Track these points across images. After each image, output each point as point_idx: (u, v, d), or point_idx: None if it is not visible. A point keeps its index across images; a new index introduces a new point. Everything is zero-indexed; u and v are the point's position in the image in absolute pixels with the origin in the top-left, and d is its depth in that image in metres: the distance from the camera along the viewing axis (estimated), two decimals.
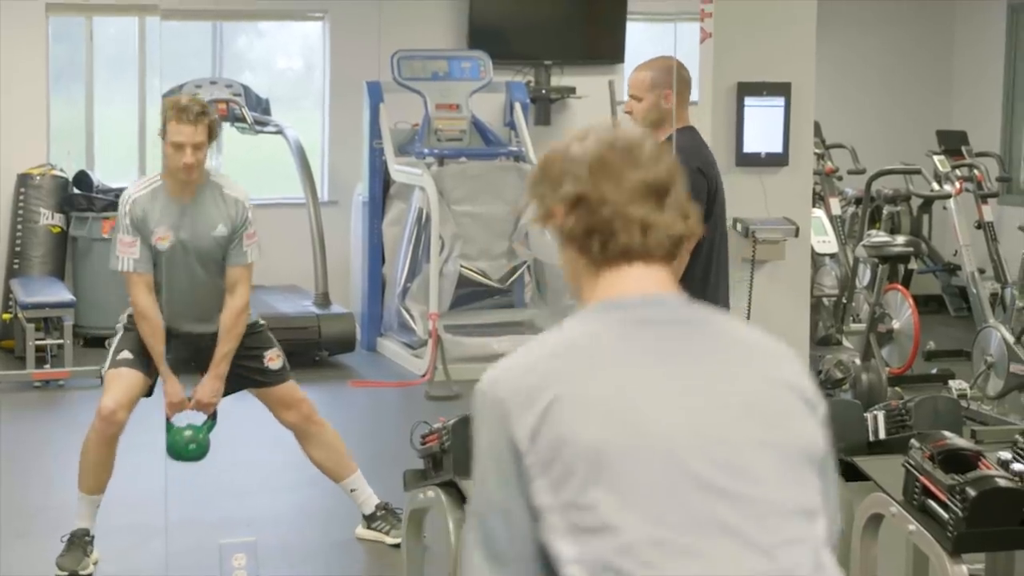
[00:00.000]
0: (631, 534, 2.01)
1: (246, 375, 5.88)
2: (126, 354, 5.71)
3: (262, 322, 5.99)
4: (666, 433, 2.05)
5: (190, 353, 5.89)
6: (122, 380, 5.68)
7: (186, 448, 5.77)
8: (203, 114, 5.64)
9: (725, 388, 2.11)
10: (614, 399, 2.06)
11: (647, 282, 2.19)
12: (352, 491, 6.05)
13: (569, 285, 2.28)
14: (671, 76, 5.14)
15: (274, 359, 5.93)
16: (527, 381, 2.09)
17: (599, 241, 2.18)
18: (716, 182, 5.10)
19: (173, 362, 5.81)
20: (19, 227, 10.55)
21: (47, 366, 9.37)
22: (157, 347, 5.70)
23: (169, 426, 5.80)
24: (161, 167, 5.79)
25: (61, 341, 9.41)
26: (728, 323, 2.24)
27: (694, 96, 6.36)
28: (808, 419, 2.15)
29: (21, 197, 10.58)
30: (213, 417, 5.85)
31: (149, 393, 5.80)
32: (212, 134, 5.69)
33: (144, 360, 5.70)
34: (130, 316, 5.80)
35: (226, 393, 5.86)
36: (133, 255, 5.70)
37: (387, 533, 6.01)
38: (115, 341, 5.82)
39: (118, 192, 10.62)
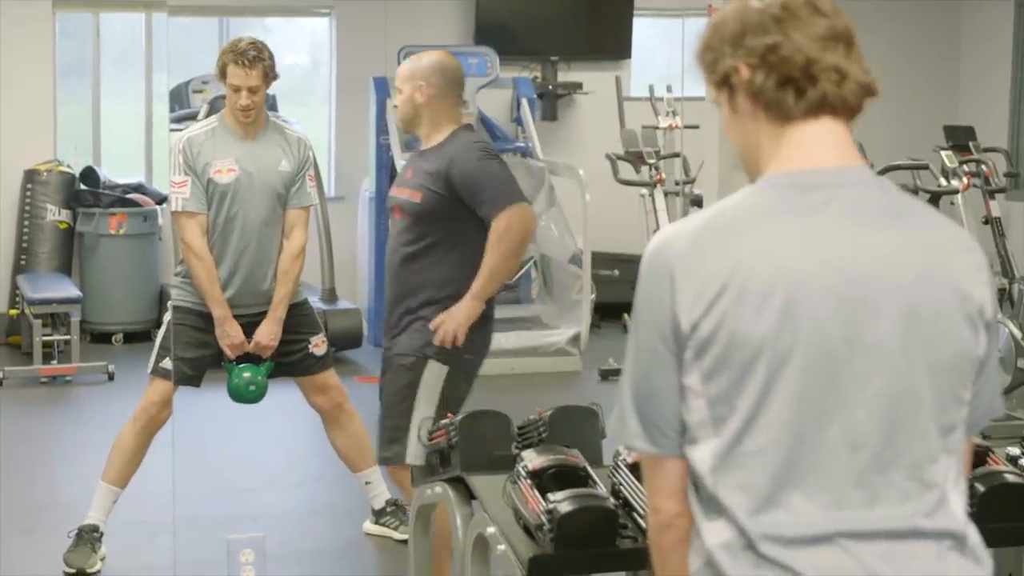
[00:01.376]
0: (764, 441, 2.04)
1: (291, 361, 5.88)
2: (167, 364, 5.71)
3: (309, 301, 6.00)
4: (823, 341, 2.05)
5: (246, 300, 5.85)
6: (165, 387, 5.71)
7: (247, 390, 5.81)
8: (259, 59, 5.66)
9: (890, 289, 2.08)
10: (777, 293, 2.05)
11: (833, 149, 2.14)
12: (367, 483, 6.06)
13: (741, 154, 2.22)
14: (432, 71, 4.91)
15: (319, 344, 5.94)
16: (697, 261, 2.07)
17: (795, 91, 2.11)
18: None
19: (216, 352, 5.79)
20: (26, 223, 10.56)
21: (54, 362, 9.39)
22: (211, 290, 5.69)
23: (230, 368, 5.81)
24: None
25: (68, 337, 9.42)
26: (912, 213, 2.17)
27: (700, 92, 6.36)
28: (970, 325, 2.12)
29: (28, 193, 10.59)
30: (271, 360, 5.85)
31: (197, 383, 5.83)
32: (268, 77, 5.70)
33: (183, 369, 5.69)
34: (175, 306, 5.78)
35: (270, 378, 5.85)
36: (183, 194, 5.69)
37: (395, 529, 6.01)
38: (160, 335, 5.81)
39: (125, 188, 10.67)
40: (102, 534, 5.81)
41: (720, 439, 2.07)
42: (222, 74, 5.70)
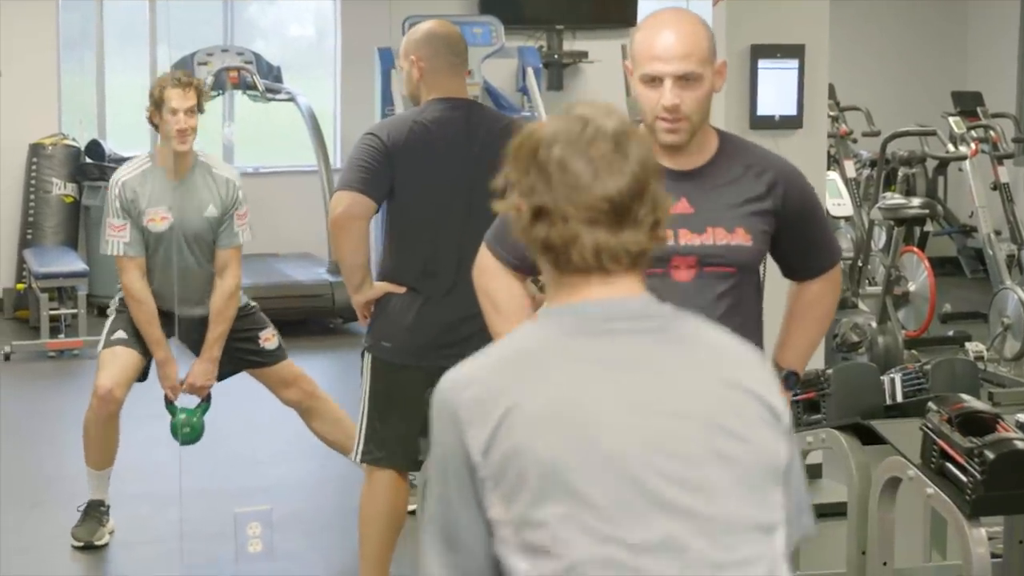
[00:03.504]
0: (581, 553, 1.96)
1: (243, 356, 5.86)
2: (120, 334, 5.70)
3: (253, 304, 5.95)
4: (619, 447, 1.99)
5: (196, 336, 5.85)
6: (117, 359, 5.67)
7: (181, 432, 5.77)
8: (191, 83, 5.67)
9: (685, 399, 2.05)
10: (566, 412, 2.00)
11: (609, 288, 2.12)
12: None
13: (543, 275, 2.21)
14: (421, 43, 4.72)
15: (269, 339, 5.91)
16: (480, 392, 2.04)
17: (554, 256, 2.11)
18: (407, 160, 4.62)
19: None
20: (32, 197, 10.55)
21: (61, 336, 9.39)
22: (152, 332, 5.68)
23: (171, 408, 5.80)
24: (152, 149, 5.78)
25: (75, 310, 9.43)
26: (695, 328, 2.15)
27: None
28: (771, 430, 2.09)
29: (33, 167, 10.58)
30: (207, 400, 5.83)
31: (144, 377, 5.79)
32: (200, 102, 5.68)
33: (139, 338, 5.68)
34: (122, 299, 5.78)
35: (224, 376, 5.84)
36: (123, 239, 5.67)
37: None
38: (108, 323, 5.80)
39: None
40: (108, 507, 5.82)
41: (534, 561, 1.99)
42: (158, 105, 5.64)
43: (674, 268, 3.24)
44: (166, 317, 5.71)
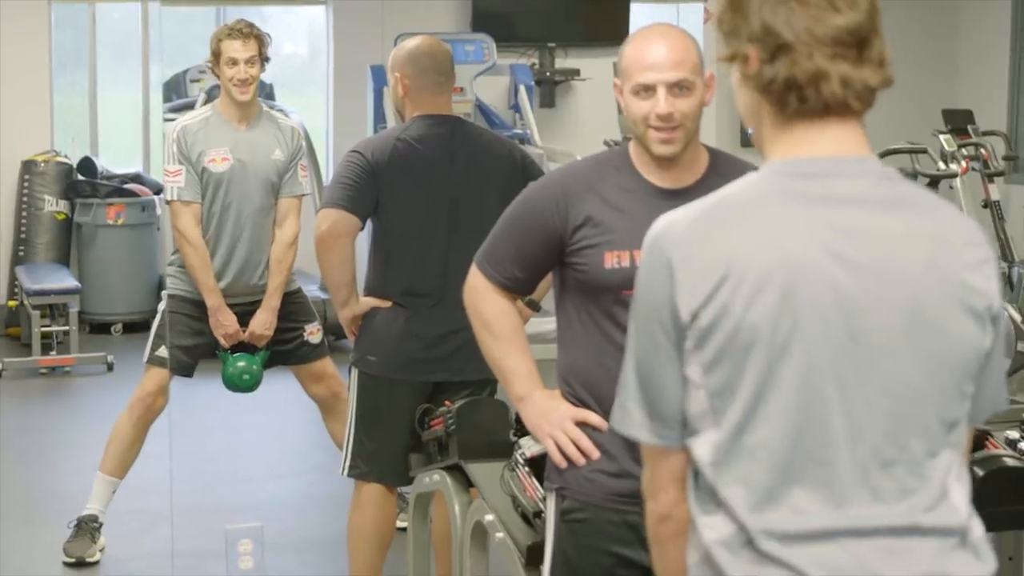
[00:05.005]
0: (765, 434, 2.01)
1: (287, 349, 5.87)
2: (162, 351, 5.71)
3: (303, 290, 5.99)
4: (823, 330, 2.01)
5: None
6: (160, 375, 5.71)
7: (240, 378, 5.80)
8: (252, 33, 5.73)
9: (893, 283, 2.04)
10: (780, 285, 2.01)
11: (837, 141, 2.10)
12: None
13: (750, 127, 2.19)
14: (405, 60, 4.70)
15: (315, 333, 5.92)
16: (699, 245, 2.05)
17: (798, 95, 2.07)
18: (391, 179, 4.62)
19: (211, 341, 5.78)
20: (24, 214, 10.55)
21: (53, 353, 9.38)
22: (206, 278, 5.69)
23: (224, 357, 5.80)
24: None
25: (67, 328, 9.42)
26: (917, 203, 2.12)
27: None
28: (974, 318, 2.08)
29: (25, 184, 10.58)
30: (267, 349, 5.84)
31: (190, 372, 5.81)
32: (262, 54, 5.74)
33: (178, 357, 5.69)
34: (170, 295, 5.77)
35: (266, 367, 5.85)
36: (178, 183, 5.68)
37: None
38: (153, 329, 5.81)
39: (122, 178, 10.65)
40: (101, 524, 5.81)
41: (720, 431, 2.04)
42: (216, 57, 5.71)
43: None
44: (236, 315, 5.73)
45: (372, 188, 4.61)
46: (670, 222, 2.10)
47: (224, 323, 5.72)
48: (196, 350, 5.76)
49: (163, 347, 5.71)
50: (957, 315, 2.07)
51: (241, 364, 5.80)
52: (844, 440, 2.02)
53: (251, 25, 5.77)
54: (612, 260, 3.16)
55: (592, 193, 3.21)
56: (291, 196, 5.84)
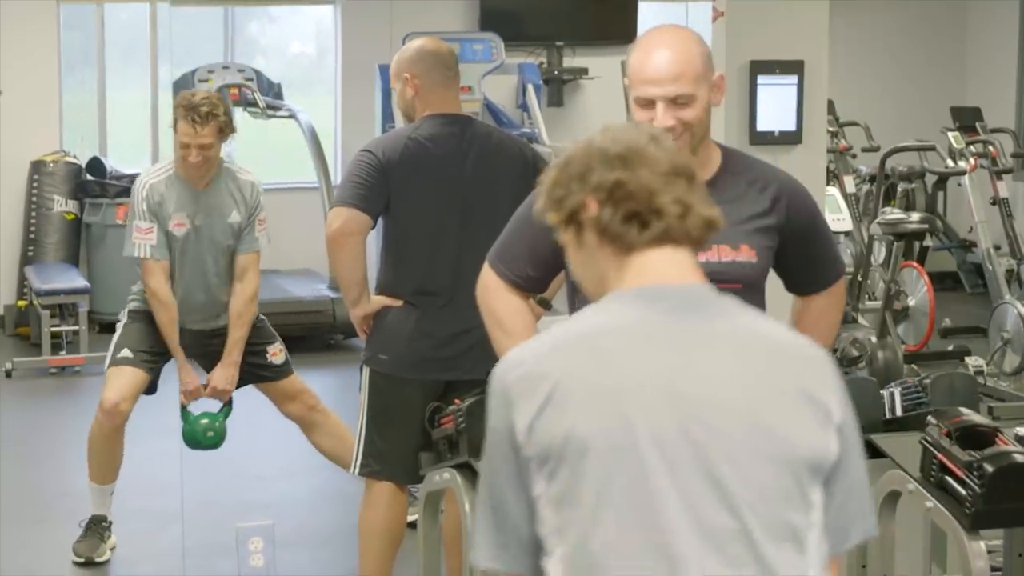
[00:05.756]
0: (609, 538, 2.01)
1: (251, 371, 5.88)
2: (126, 352, 5.70)
3: (262, 316, 5.97)
4: (657, 434, 2.02)
5: (198, 350, 5.87)
6: (123, 375, 5.68)
7: (204, 436, 5.78)
8: (211, 115, 5.56)
9: (730, 390, 2.07)
10: (611, 394, 2.04)
11: (675, 269, 2.17)
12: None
13: (588, 283, 2.24)
14: (412, 60, 4.71)
15: (277, 353, 5.92)
16: (532, 370, 2.08)
17: (639, 224, 2.15)
18: (401, 175, 4.63)
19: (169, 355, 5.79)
20: (33, 214, 10.57)
21: (63, 352, 9.40)
22: (174, 335, 5.70)
23: (185, 414, 5.80)
24: (174, 155, 5.77)
25: (76, 327, 9.44)
26: (752, 319, 2.19)
27: None
28: (819, 426, 2.10)
29: (35, 184, 10.60)
30: (229, 404, 5.85)
31: (151, 390, 5.80)
32: (223, 133, 5.62)
33: (143, 357, 5.70)
34: (131, 310, 5.78)
35: (237, 387, 5.85)
36: (150, 241, 5.67)
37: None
38: (115, 337, 5.81)
39: (131, 178, 10.62)
40: (111, 523, 5.83)
41: (568, 544, 2.04)
42: (174, 126, 5.62)
43: None
44: (182, 333, 5.74)
45: (383, 186, 4.61)
46: (509, 355, 2.15)
47: (186, 381, 5.76)
48: (158, 359, 5.76)
49: (126, 349, 5.70)
50: (796, 420, 2.09)
51: (204, 422, 5.80)
52: (688, 540, 2.01)
53: (212, 105, 5.59)
54: None
55: None
56: (249, 252, 5.82)
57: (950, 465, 3.72)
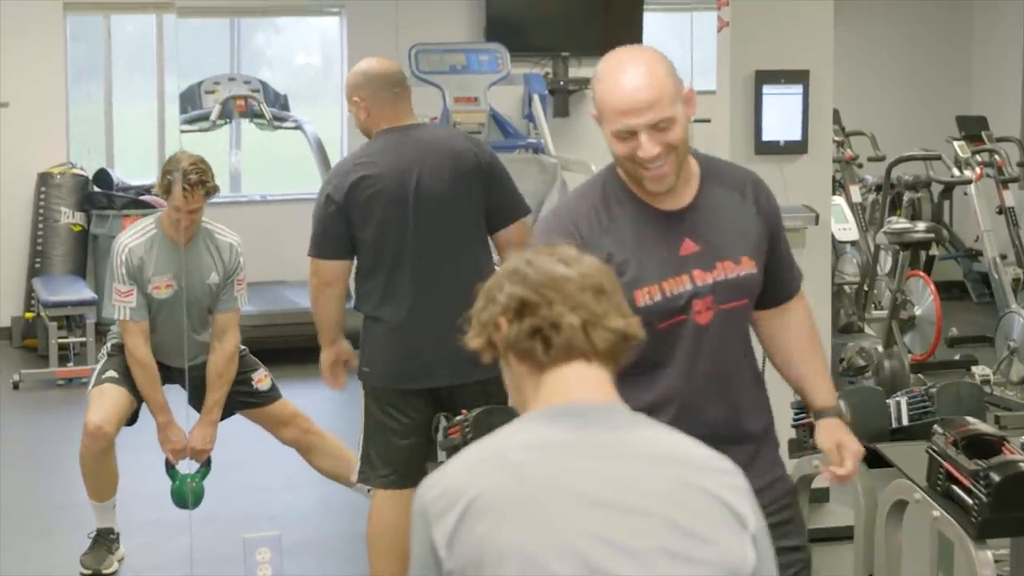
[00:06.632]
0: None
1: (238, 399, 5.89)
2: (111, 373, 5.72)
3: (243, 348, 5.96)
4: (572, 540, 2.04)
5: (182, 381, 5.86)
6: (106, 396, 5.69)
7: (181, 496, 5.78)
8: (200, 182, 5.60)
9: (646, 498, 2.09)
10: (525, 503, 2.06)
11: (586, 386, 2.21)
12: (369, 491, 6.04)
13: (518, 406, 2.29)
14: (358, 84, 4.87)
15: (262, 380, 5.93)
16: (447, 488, 2.11)
17: (543, 340, 2.20)
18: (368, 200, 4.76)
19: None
20: (40, 226, 10.58)
21: (70, 364, 9.41)
22: (156, 396, 5.71)
23: (173, 473, 5.81)
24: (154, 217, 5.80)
25: (84, 339, 9.45)
26: (663, 434, 2.22)
27: (710, 86, 6.34)
28: (735, 534, 2.12)
29: (42, 196, 10.61)
30: (207, 464, 5.85)
31: (133, 420, 5.81)
32: (209, 196, 5.67)
33: (130, 380, 5.70)
34: (115, 344, 5.79)
35: (220, 418, 5.86)
36: (130, 304, 5.68)
37: None
38: (100, 364, 5.83)
39: (138, 190, 10.68)
40: (118, 535, 5.84)
41: None
42: (166, 191, 5.64)
43: (696, 313, 3.13)
44: (165, 369, 5.75)
45: (342, 226, 4.79)
46: (427, 479, 2.17)
47: (172, 439, 5.76)
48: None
49: (111, 371, 5.72)
50: (715, 526, 2.11)
51: (181, 483, 5.80)
52: None
53: (201, 172, 5.61)
54: (643, 297, 3.07)
55: (606, 233, 3.11)
56: (228, 311, 5.82)
57: (957, 474, 3.73)
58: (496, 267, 3.96)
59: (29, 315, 10.35)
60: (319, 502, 6.80)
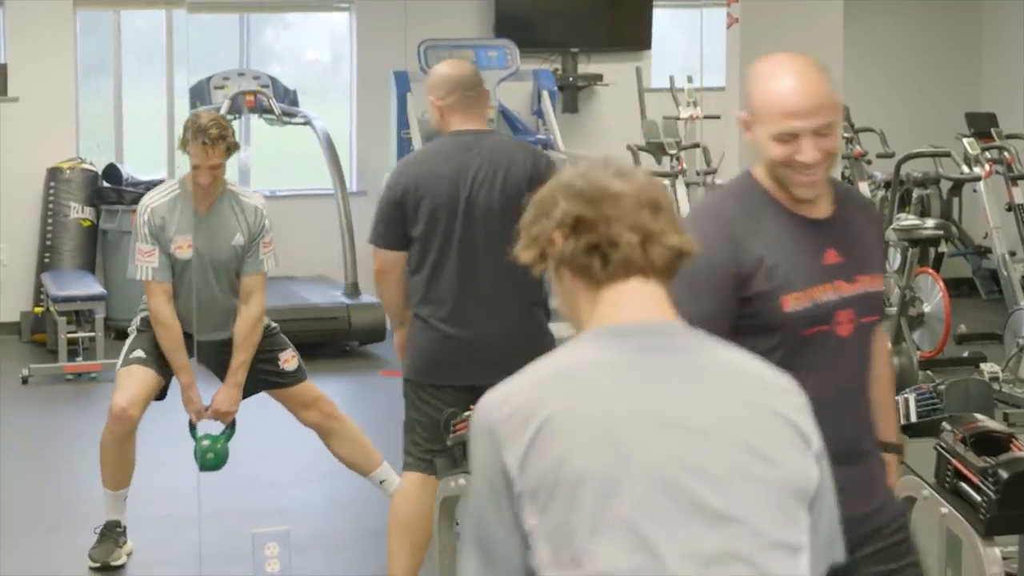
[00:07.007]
0: (607, 565, 2.02)
1: (263, 378, 5.90)
2: (139, 353, 5.73)
3: (274, 325, 5.98)
4: (650, 463, 2.05)
5: (212, 359, 5.89)
6: (134, 378, 5.71)
7: (204, 458, 5.79)
8: (220, 137, 5.64)
9: (716, 419, 2.11)
10: (601, 426, 2.07)
11: (645, 304, 2.20)
12: (381, 482, 6.06)
13: (570, 320, 2.28)
14: (436, 84, 4.98)
15: (289, 360, 5.93)
16: (517, 408, 2.10)
17: (600, 257, 2.19)
18: (428, 201, 4.85)
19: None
20: (50, 221, 10.60)
21: (79, 359, 9.42)
22: (178, 358, 5.73)
23: (194, 434, 5.83)
24: (179, 174, 5.81)
25: (93, 334, 9.45)
26: (726, 353, 2.23)
27: (720, 82, 6.35)
28: (800, 453, 2.14)
29: (51, 191, 10.63)
30: (232, 426, 5.86)
31: (162, 396, 5.83)
32: (230, 152, 5.71)
33: (157, 359, 5.72)
34: (143, 319, 5.81)
35: (244, 396, 5.87)
36: (152, 263, 5.70)
37: None
38: (128, 342, 5.84)
39: (148, 185, 10.67)
40: (125, 528, 5.84)
41: (567, 574, 2.05)
42: (184, 143, 5.69)
43: (838, 324, 3.09)
44: (187, 339, 5.76)
45: (400, 219, 4.88)
46: (490, 395, 2.16)
47: (194, 400, 5.79)
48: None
49: (139, 350, 5.74)
50: (783, 445, 2.13)
51: (205, 443, 5.82)
52: (683, 566, 2.02)
53: (221, 127, 5.66)
54: (792, 303, 3.01)
55: (755, 236, 3.05)
56: (254, 274, 5.84)
57: (965, 471, 3.73)
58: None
59: (38, 310, 10.36)
60: (328, 497, 6.81)
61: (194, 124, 5.68)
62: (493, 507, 2.10)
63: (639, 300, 2.20)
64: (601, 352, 2.16)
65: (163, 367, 5.74)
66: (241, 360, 5.79)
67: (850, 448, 3.07)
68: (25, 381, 9.12)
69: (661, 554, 2.02)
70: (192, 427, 5.84)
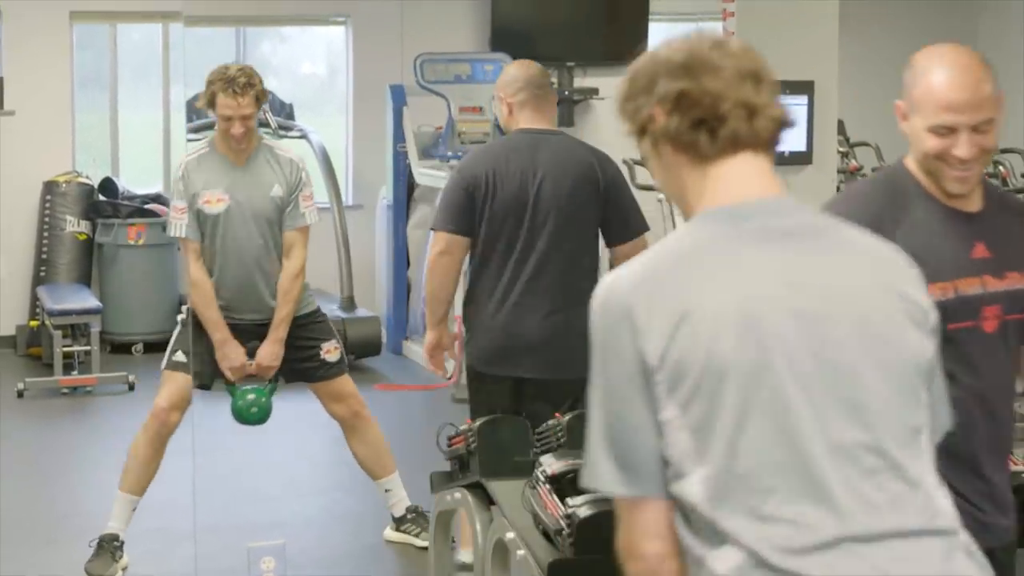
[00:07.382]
0: (752, 461, 2.05)
1: (303, 369, 5.90)
2: (180, 356, 5.76)
3: (323, 313, 6.01)
4: (789, 355, 2.07)
5: (252, 339, 5.87)
6: (176, 382, 5.73)
7: (248, 412, 5.83)
8: (249, 84, 5.67)
9: (842, 301, 2.13)
10: (741, 316, 2.08)
11: (758, 180, 2.19)
12: (387, 491, 6.06)
13: (672, 197, 2.27)
14: (506, 82, 5.13)
15: (331, 351, 5.93)
16: (655, 291, 2.10)
17: (707, 131, 2.17)
18: (491, 192, 4.99)
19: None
20: (45, 234, 10.59)
21: (74, 372, 9.40)
22: (210, 314, 5.74)
23: (232, 390, 5.84)
24: (208, 139, 5.85)
25: (88, 348, 9.45)
26: (843, 230, 2.23)
27: None
28: (919, 329, 2.17)
29: (47, 204, 10.62)
30: (275, 380, 5.87)
31: (208, 385, 5.86)
32: (259, 101, 5.73)
33: (197, 361, 5.73)
34: (189, 309, 5.82)
35: (287, 383, 5.90)
36: (183, 220, 5.75)
37: (416, 536, 6.01)
38: (173, 337, 5.86)
39: (144, 199, 10.70)
40: (122, 543, 5.83)
41: (708, 466, 2.07)
42: (211, 103, 5.69)
43: (984, 319, 3.06)
44: (242, 333, 5.78)
45: (470, 205, 4.97)
46: (617, 277, 2.15)
47: (230, 356, 5.77)
48: (214, 361, 5.79)
49: (180, 352, 5.74)
50: (903, 324, 2.16)
51: (250, 397, 5.82)
52: (825, 456, 2.06)
53: (248, 76, 5.69)
54: (937, 293, 2.86)
55: (898, 225, 3.02)
56: (295, 228, 5.86)
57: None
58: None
59: (34, 323, 10.35)
60: (323, 511, 6.80)
61: (222, 76, 5.69)
62: (630, 395, 2.09)
63: (751, 176, 2.19)
64: (727, 234, 2.15)
65: (202, 369, 5.75)
66: (283, 314, 5.80)
67: (991, 446, 3.05)
68: (20, 395, 9.10)
69: (804, 447, 2.05)
70: (230, 385, 5.84)
